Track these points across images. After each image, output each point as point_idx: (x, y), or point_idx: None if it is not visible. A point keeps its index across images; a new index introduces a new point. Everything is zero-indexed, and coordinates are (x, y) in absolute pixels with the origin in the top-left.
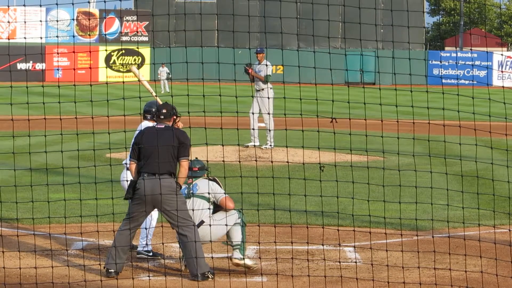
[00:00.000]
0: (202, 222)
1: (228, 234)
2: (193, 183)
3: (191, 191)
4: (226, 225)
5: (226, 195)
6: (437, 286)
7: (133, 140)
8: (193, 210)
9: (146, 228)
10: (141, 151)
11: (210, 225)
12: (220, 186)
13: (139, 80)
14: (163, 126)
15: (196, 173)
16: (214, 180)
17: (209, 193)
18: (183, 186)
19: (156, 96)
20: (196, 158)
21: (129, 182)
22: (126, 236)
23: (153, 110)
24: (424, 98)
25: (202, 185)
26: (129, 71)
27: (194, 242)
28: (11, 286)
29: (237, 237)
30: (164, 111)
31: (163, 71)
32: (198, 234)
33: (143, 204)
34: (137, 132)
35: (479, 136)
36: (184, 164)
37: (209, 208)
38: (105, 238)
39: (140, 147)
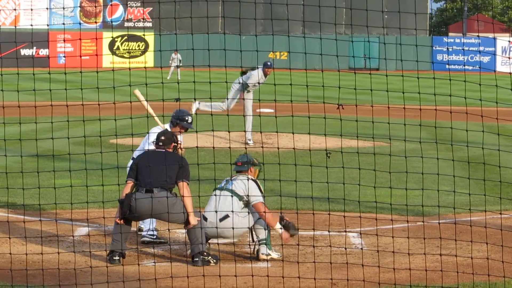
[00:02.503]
0: (226, 216)
1: (253, 232)
2: (232, 179)
3: (226, 186)
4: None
5: (262, 200)
6: (442, 272)
7: (133, 162)
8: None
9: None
10: (140, 169)
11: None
12: (260, 190)
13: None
14: (163, 150)
15: (239, 168)
16: (255, 181)
17: (247, 196)
18: (224, 181)
19: (158, 120)
20: (245, 153)
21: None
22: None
23: (186, 118)
24: (428, 84)
25: (240, 183)
26: (133, 57)
27: (198, 228)
28: (18, 272)
29: (262, 234)
30: (163, 138)
31: (176, 58)
32: (202, 219)
33: (140, 217)
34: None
35: (482, 122)
36: (181, 185)
37: (242, 206)
38: (111, 224)
39: (139, 166)
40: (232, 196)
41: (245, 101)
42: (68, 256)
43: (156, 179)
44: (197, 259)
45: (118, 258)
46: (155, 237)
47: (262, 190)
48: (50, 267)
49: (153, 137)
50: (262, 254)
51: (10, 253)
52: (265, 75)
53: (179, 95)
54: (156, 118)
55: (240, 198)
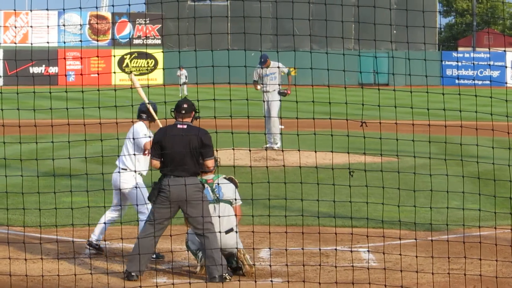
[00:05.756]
0: (231, 230)
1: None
2: (215, 184)
3: (217, 196)
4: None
5: (241, 203)
6: (451, 287)
7: (153, 139)
8: (219, 216)
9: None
10: (164, 153)
11: (236, 231)
12: (236, 186)
13: (133, 87)
14: (185, 127)
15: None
16: (232, 181)
17: (235, 199)
18: (205, 187)
19: (148, 103)
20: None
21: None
22: (150, 241)
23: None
24: (438, 99)
25: (226, 189)
26: (142, 74)
27: (215, 247)
28: None
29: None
30: (185, 106)
31: (182, 74)
32: (217, 238)
33: (168, 206)
34: (131, 130)
35: (489, 136)
36: (208, 163)
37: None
38: (130, 242)
39: (162, 148)
40: (226, 205)
41: (272, 119)
42: (85, 276)
43: (184, 165)
44: (215, 275)
45: (136, 275)
46: (154, 256)
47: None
48: (68, 287)
49: (139, 137)
50: (240, 249)
51: (26, 275)
52: (266, 67)
53: (199, 113)
54: (146, 101)
55: (230, 204)
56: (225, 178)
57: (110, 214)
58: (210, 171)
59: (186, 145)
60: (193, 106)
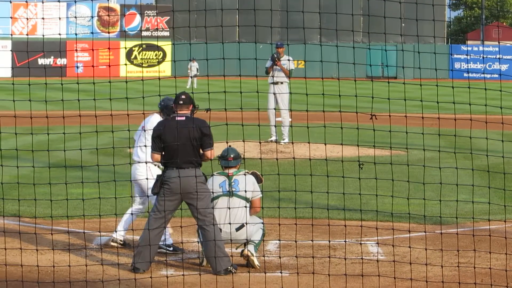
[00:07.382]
0: (242, 226)
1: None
2: (234, 178)
3: (233, 189)
4: (262, 228)
5: (261, 195)
6: (460, 280)
7: (153, 132)
8: (229, 208)
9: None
10: (164, 145)
11: (247, 223)
12: (260, 181)
13: None
14: (183, 118)
15: (230, 163)
16: (254, 174)
17: (252, 191)
18: (223, 179)
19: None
20: (230, 145)
21: (154, 177)
22: (155, 234)
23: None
24: (446, 92)
25: (244, 184)
26: (150, 66)
27: (216, 240)
28: (45, 285)
29: (257, 236)
30: (183, 96)
31: (194, 66)
32: (219, 231)
33: (172, 198)
34: (146, 121)
35: (498, 130)
36: (208, 154)
37: (245, 206)
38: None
39: (163, 140)
40: (245, 206)
41: (283, 112)
42: (95, 267)
43: (186, 157)
44: (220, 269)
45: (142, 269)
46: (171, 248)
47: (262, 179)
48: (77, 278)
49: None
50: (248, 250)
51: (38, 265)
52: (278, 54)
53: (209, 105)
54: None
55: (246, 200)
56: (247, 172)
57: (135, 206)
58: (210, 160)
59: (186, 136)
60: (192, 100)
